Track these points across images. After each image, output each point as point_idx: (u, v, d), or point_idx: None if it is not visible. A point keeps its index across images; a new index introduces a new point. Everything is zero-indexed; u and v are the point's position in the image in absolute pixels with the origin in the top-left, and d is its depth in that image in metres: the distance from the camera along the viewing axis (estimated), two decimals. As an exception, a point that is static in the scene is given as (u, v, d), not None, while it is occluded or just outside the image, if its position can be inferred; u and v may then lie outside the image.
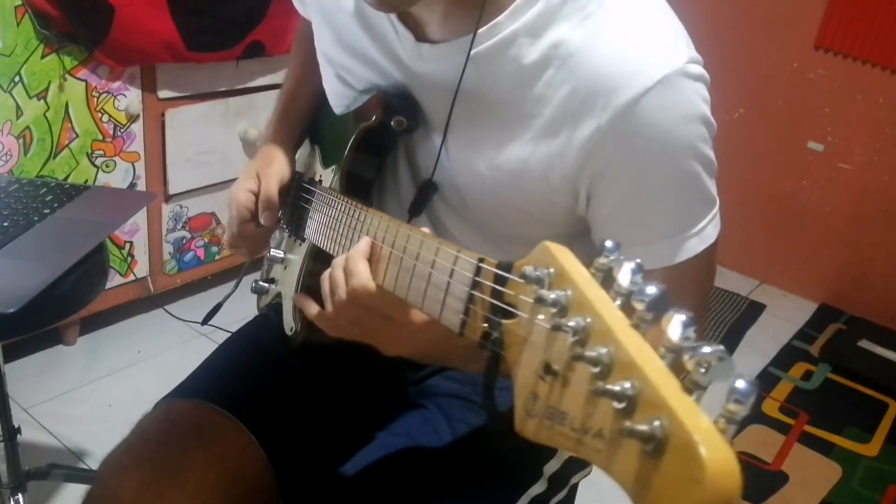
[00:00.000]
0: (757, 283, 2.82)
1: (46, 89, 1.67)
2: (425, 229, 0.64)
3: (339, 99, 0.89)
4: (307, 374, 0.94)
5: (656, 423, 0.32)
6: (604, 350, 0.37)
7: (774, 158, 2.71)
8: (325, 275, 0.72)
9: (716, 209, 0.75)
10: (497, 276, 0.50)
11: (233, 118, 2.03)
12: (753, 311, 2.64)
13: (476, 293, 0.52)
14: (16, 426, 1.34)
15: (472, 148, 0.77)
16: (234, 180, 0.98)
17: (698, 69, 0.69)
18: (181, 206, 2.06)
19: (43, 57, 1.64)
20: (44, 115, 1.69)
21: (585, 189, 0.73)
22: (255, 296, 1.06)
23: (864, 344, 2.46)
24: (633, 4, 0.70)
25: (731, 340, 2.45)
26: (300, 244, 0.93)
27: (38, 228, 1.12)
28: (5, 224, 1.11)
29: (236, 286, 1.08)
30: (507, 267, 0.49)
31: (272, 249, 1.01)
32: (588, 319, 0.39)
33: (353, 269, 0.68)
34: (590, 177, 0.71)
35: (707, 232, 0.74)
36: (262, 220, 0.92)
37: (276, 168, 0.94)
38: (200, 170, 2.02)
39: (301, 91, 1.03)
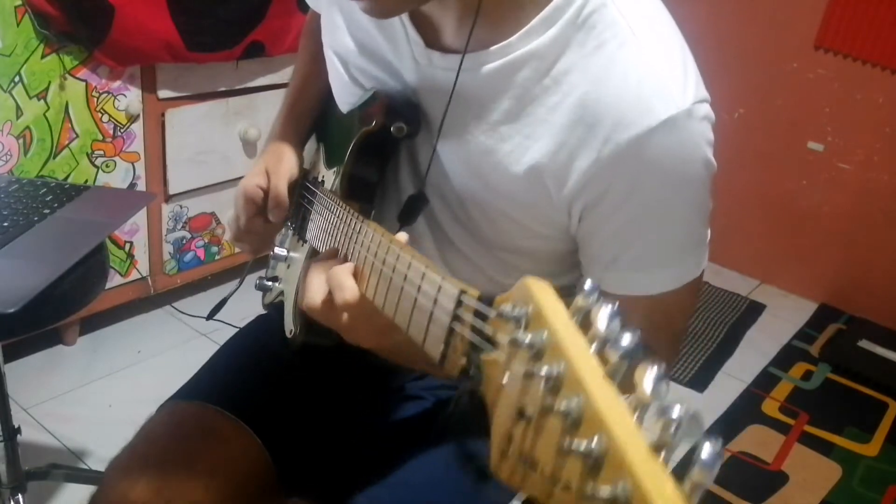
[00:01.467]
0: (757, 283, 2.82)
1: (46, 89, 1.67)
2: (405, 245, 0.63)
3: (347, 97, 0.89)
4: (310, 375, 0.94)
5: (620, 484, 0.32)
6: (574, 401, 0.36)
7: (774, 158, 2.71)
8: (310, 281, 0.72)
9: (705, 249, 0.76)
10: (477, 311, 0.49)
11: (233, 118, 2.03)
12: (753, 311, 2.64)
13: (456, 326, 0.51)
14: (16, 426, 1.34)
15: (472, 161, 0.77)
16: (234, 180, 0.98)
17: (705, 109, 0.69)
18: (181, 206, 2.06)
19: (43, 57, 1.64)
20: (44, 115, 1.69)
21: (578, 213, 0.73)
22: (258, 293, 1.06)
23: (864, 344, 2.46)
24: (648, 37, 0.69)
25: (731, 340, 2.45)
26: (303, 244, 0.93)
27: (38, 228, 1.12)
28: (5, 224, 1.11)
29: (241, 282, 1.08)
30: (489, 300, 0.48)
31: (276, 247, 1.01)
32: (561, 367, 0.37)
33: (341, 279, 0.67)
34: (584, 204, 0.72)
35: (689, 267, 0.74)
36: (271, 218, 0.91)
37: (285, 165, 0.93)
38: (200, 170, 2.02)
39: (309, 87, 1.02)
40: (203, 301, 2.20)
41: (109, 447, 0.86)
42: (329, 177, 0.90)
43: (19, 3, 1.57)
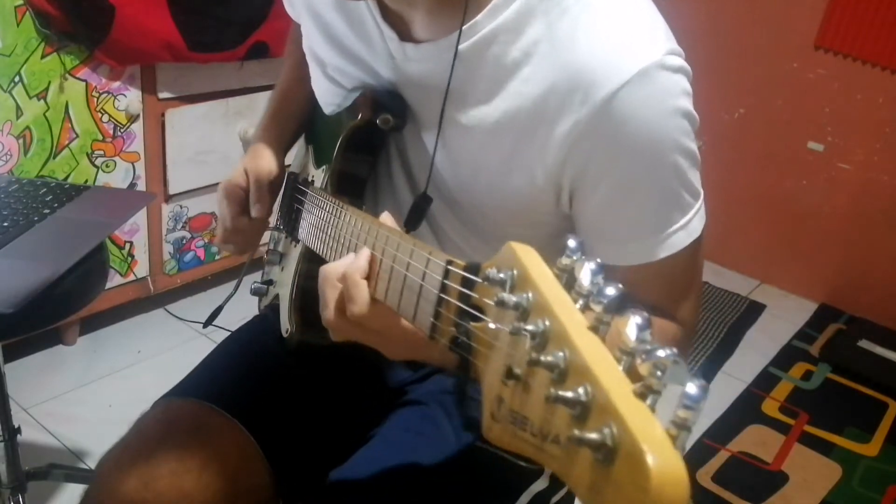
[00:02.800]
0: (757, 283, 2.82)
1: (46, 89, 1.67)
2: (392, 227, 0.63)
3: (328, 98, 0.90)
4: (305, 373, 0.94)
5: (606, 430, 0.32)
6: (560, 354, 0.36)
7: (774, 158, 2.71)
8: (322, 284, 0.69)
9: (700, 202, 0.74)
10: (464, 279, 0.49)
11: (233, 118, 2.03)
12: (753, 311, 2.64)
13: (444, 296, 0.51)
14: (16, 426, 1.34)
15: (458, 149, 0.77)
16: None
17: (678, 61, 0.68)
18: (181, 206, 2.06)
19: (43, 57, 1.64)
20: (44, 115, 1.69)
21: (568, 187, 0.72)
22: (255, 297, 1.06)
23: (864, 344, 2.46)
24: None
25: (731, 340, 2.45)
26: (295, 245, 0.93)
27: (38, 228, 1.12)
28: (5, 224, 1.11)
29: (236, 288, 1.08)
30: (475, 269, 0.48)
31: (270, 251, 1.01)
32: (547, 323, 0.38)
33: (354, 295, 0.63)
34: (572, 174, 0.71)
35: (693, 225, 0.73)
36: (253, 213, 0.92)
37: (264, 162, 0.94)
38: (200, 170, 2.02)
39: (294, 92, 1.04)
40: (203, 302, 2.20)
41: (109, 447, 0.86)
42: (319, 175, 0.90)
43: (20, 2, 1.57)
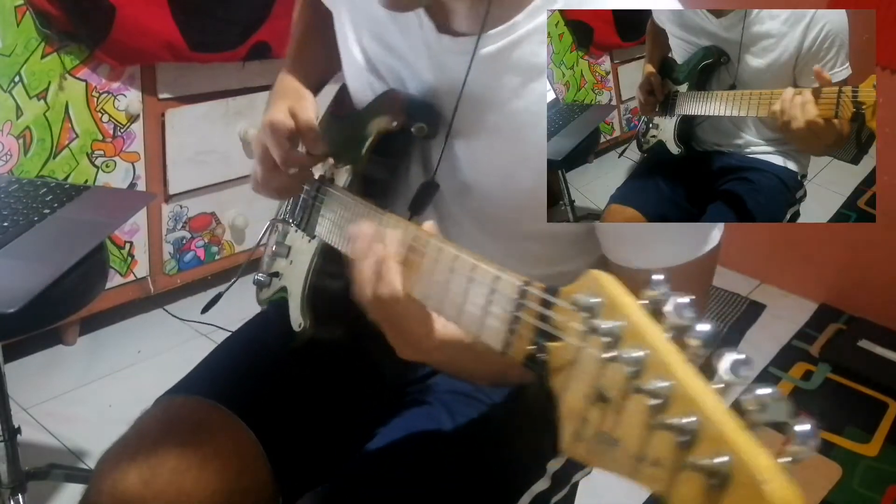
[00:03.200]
0: (757, 283, 2.82)
1: (46, 89, 1.67)
2: (443, 237, 0.64)
3: (364, 92, 0.89)
4: (306, 371, 0.94)
5: (720, 459, 0.35)
6: (663, 384, 0.39)
7: (774, 158, 2.71)
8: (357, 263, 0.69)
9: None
10: (543, 300, 0.51)
11: (233, 118, 2.03)
12: (753, 311, 2.64)
13: (521, 315, 0.53)
14: (16, 426, 1.34)
15: (482, 144, 0.78)
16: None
17: None
18: (181, 206, 2.06)
19: (43, 57, 1.64)
20: (44, 115, 1.69)
21: None
22: (255, 296, 1.06)
23: (864, 344, 2.46)
24: None
25: (731, 340, 2.45)
26: (309, 241, 0.93)
27: (38, 228, 1.12)
28: (5, 224, 1.11)
29: (237, 278, 1.08)
30: (554, 291, 0.50)
31: (276, 244, 1.01)
32: (645, 352, 0.40)
33: (385, 274, 0.65)
34: None
35: (711, 234, 0.75)
36: (314, 150, 0.88)
37: (309, 104, 0.92)
38: (200, 170, 2.02)
39: (315, 39, 1.03)
40: (203, 302, 2.18)
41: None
42: (340, 175, 0.90)
43: (20, 2, 1.57)
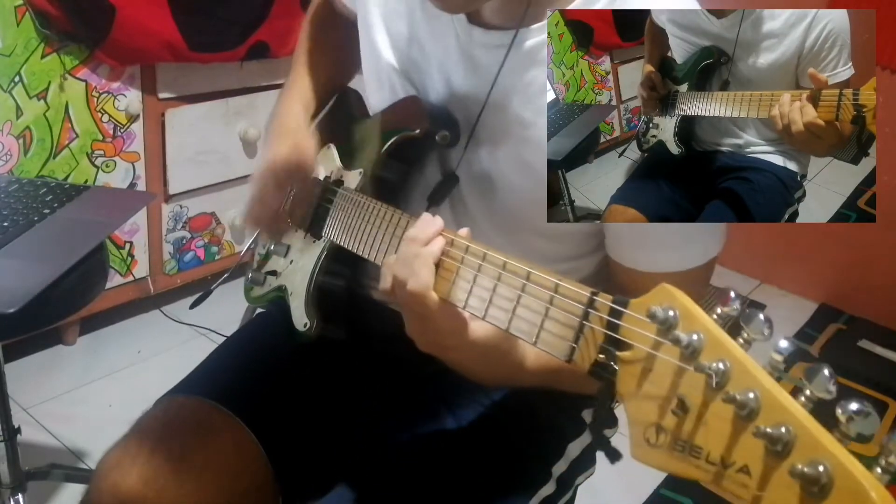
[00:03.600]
0: (757, 283, 2.82)
1: (46, 89, 1.67)
2: (484, 244, 0.64)
3: (384, 91, 0.89)
4: (307, 372, 0.94)
5: (821, 467, 0.37)
6: (751, 395, 0.41)
7: (774, 158, 2.71)
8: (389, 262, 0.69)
9: (725, 226, 0.78)
10: (612, 310, 0.52)
11: (233, 118, 2.03)
12: (753, 311, 2.64)
13: (588, 324, 0.54)
14: (16, 426, 1.34)
15: (510, 138, 0.78)
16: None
17: None
18: (181, 206, 2.06)
19: (43, 57, 1.64)
20: (44, 115, 1.69)
21: None
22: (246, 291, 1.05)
23: (864, 344, 2.46)
24: None
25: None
26: (314, 241, 0.93)
27: (38, 228, 1.12)
28: (5, 224, 1.11)
29: (227, 277, 1.09)
30: (624, 303, 0.51)
31: (273, 243, 1.00)
32: (727, 364, 0.42)
33: (417, 270, 0.64)
34: None
35: (714, 241, 0.77)
36: (292, 212, 0.91)
37: (309, 146, 0.92)
38: (200, 170, 2.02)
39: (318, 61, 1.03)
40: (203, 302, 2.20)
41: (109, 447, 0.86)
42: (352, 177, 0.90)
43: (19, 2, 1.57)
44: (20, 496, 1.35)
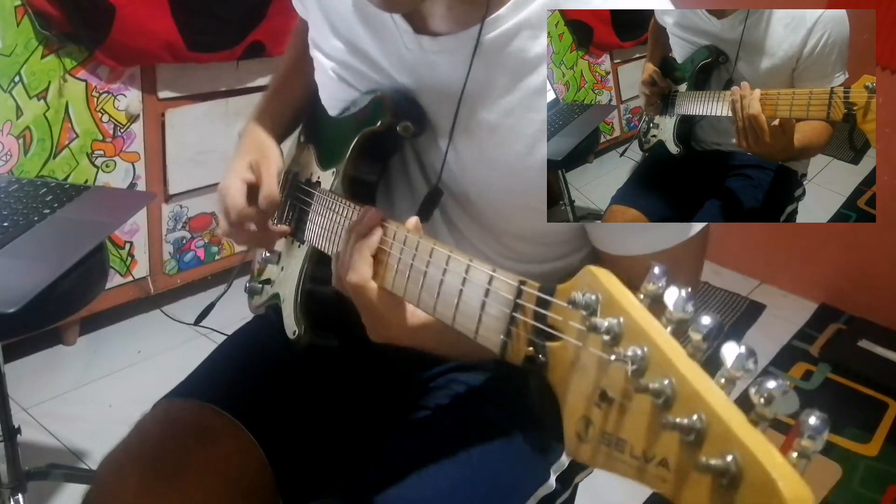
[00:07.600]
0: (757, 283, 2.82)
1: (46, 89, 1.67)
2: (431, 238, 0.64)
3: (335, 98, 0.89)
4: (307, 374, 0.93)
5: (729, 457, 0.34)
6: (665, 382, 0.37)
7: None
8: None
9: None
10: (539, 299, 0.50)
11: (233, 118, 2.03)
12: (753, 311, 2.64)
13: (518, 315, 0.52)
14: (16, 426, 1.34)
15: (478, 143, 0.77)
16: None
17: None
18: (181, 206, 2.06)
19: (43, 57, 1.64)
20: (44, 115, 1.69)
21: None
22: (250, 297, 1.05)
23: (864, 344, 2.46)
24: None
25: (731, 341, 2.45)
26: (299, 246, 0.92)
27: (38, 228, 1.12)
28: (5, 224, 1.11)
29: (227, 287, 1.08)
30: (550, 290, 0.49)
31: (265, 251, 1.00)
32: (645, 349, 0.39)
33: (355, 262, 0.68)
34: None
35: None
36: (263, 206, 0.91)
37: (273, 162, 0.94)
38: (200, 170, 2.02)
39: (290, 85, 1.03)
40: (203, 302, 2.17)
41: (109, 447, 0.86)
42: (326, 178, 0.90)
43: (19, 3, 1.57)
44: (20, 496, 1.35)
